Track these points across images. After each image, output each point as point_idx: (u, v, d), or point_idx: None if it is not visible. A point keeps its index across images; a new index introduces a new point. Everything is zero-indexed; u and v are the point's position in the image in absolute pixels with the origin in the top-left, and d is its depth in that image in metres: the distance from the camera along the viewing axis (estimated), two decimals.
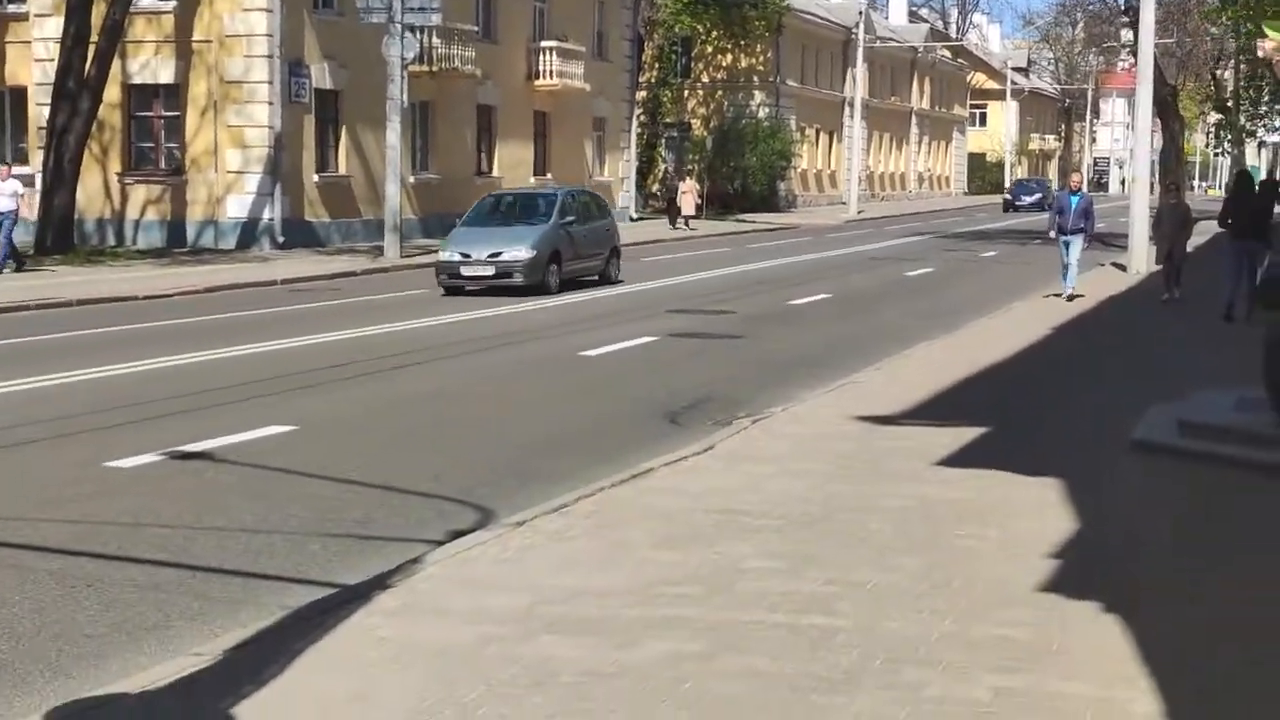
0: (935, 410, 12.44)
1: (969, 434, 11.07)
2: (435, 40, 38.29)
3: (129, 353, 16.48)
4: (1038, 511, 8.50)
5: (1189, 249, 23.70)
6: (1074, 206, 23.10)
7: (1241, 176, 22.91)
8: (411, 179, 38.80)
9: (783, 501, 8.76)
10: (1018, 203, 73.31)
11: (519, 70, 44.34)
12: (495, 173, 43.36)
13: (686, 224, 49.05)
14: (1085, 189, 24.91)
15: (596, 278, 26.83)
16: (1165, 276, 23.09)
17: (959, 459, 10.03)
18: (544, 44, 44.75)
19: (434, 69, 38.48)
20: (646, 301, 23.39)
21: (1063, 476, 9.29)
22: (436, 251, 34.73)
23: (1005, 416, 12.04)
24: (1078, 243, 23.04)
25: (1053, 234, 23.32)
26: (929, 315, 21.99)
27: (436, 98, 39.78)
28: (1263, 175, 43.50)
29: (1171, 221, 23.28)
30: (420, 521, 8.89)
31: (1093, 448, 10.53)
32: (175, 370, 15.39)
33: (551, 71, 44.76)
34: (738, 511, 8.49)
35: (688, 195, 49.92)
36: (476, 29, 40.75)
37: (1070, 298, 22.86)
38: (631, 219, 51.08)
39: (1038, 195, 72.65)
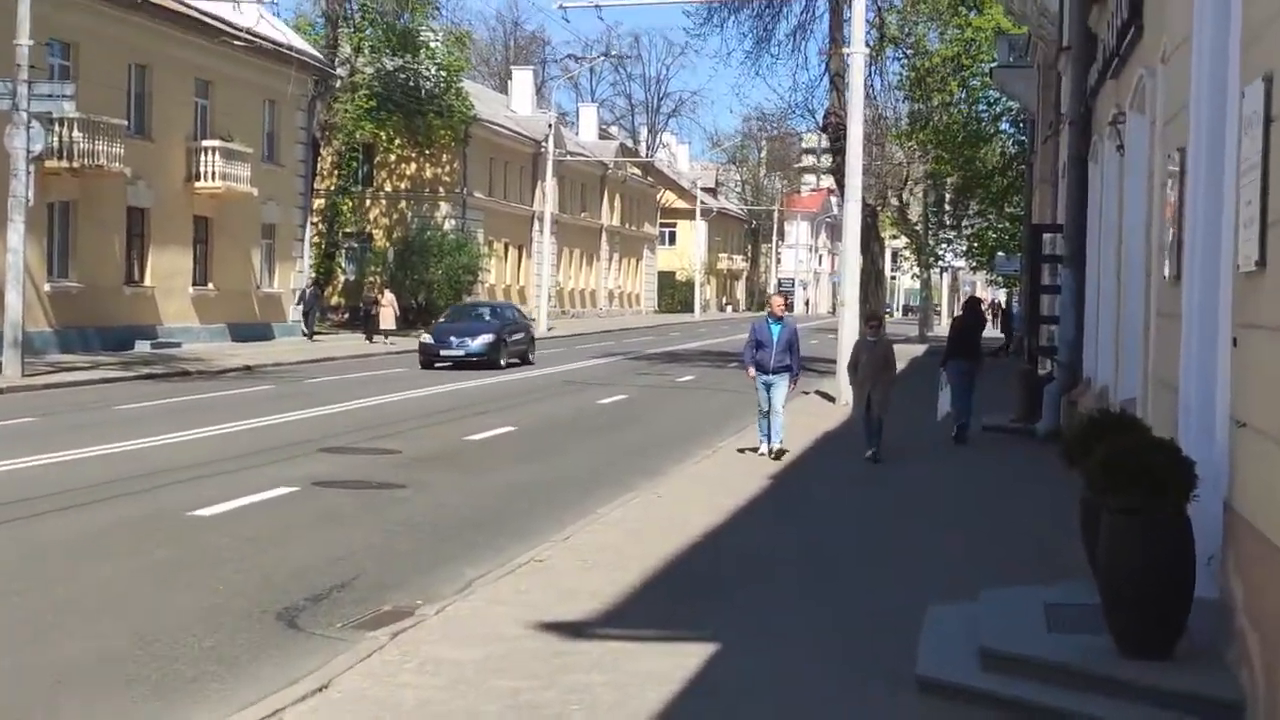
0: (643, 609, 9.43)
1: (693, 656, 8.05)
2: (77, 134, 34.09)
3: None
4: None
5: (890, 392, 18.55)
6: (776, 339, 18.11)
7: (972, 302, 23.29)
8: (48, 287, 34.40)
9: None
10: (443, 350, 36.62)
11: (177, 171, 40.27)
12: (148, 281, 39.17)
13: (385, 338, 46.49)
14: (788, 315, 19.44)
15: None
16: (866, 429, 18.42)
17: (688, 712, 6.97)
18: (205, 143, 40.79)
19: (75, 165, 34.26)
20: (298, 437, 19.84)
21: None
22: (72, 369, 30.86)
23: (734, 619, 9.10)
24: (782, 385, 18.15)
25: (751, 373, 18.46)
26: (625, 455, 19.15)
27: (79, 198, 35.49)
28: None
29: (872, 362, 18.39)
30: None
31: (866, 684, 7.61)
32: None
33: (214, 173, 40.76)
34: None
35: (386, 309, 47.28)
36: (126, 124, 36.67)
37: (777, 454, 18.15)
38: (304, 334, 47.30)
39: (488, 337, 37.17)
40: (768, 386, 18.13)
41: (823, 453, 19.47)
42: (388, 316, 47.35)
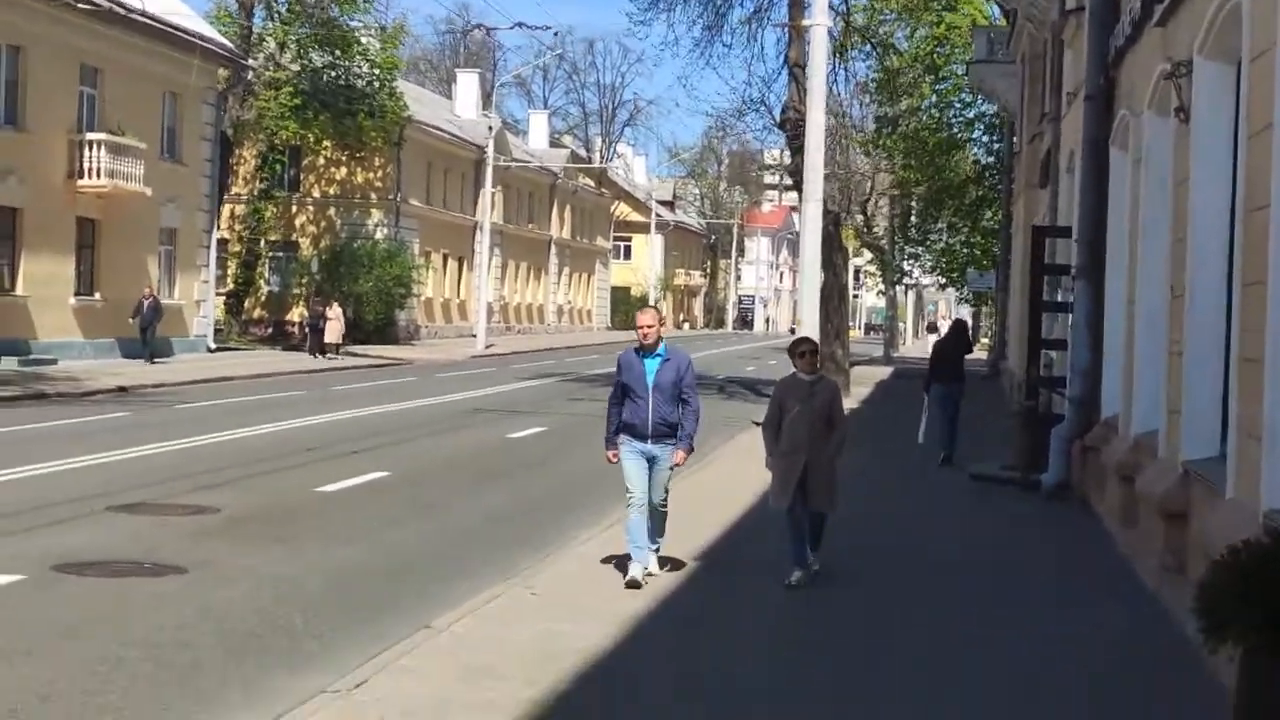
0: None
1: None
2: None
3: None
4: None
5: (836, 469, 11.14)
6: (652, 381, 10.77)
7: (959, 324, 22.06)
8: None
9: None
10: None
11: (55, 166, 35.71)
12: (20, 290, 34.61)
13: (335, 352, 44.47)
14: (664, 341, 11.11)
15: None
16: (793, 530, 10.92)
17: None
18: (90, 136, 36.27)
19: None
20: (99, 486, 15.40)
21: None
22: None
23: None
24: (665, 458, 10.91)
25: (611, 455, 11.07)
26: (516, 514, 15.01)
27: None
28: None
29: (806, 418, 10.83)
30: None
31: None
32: None
33: (99, 170, 36.23)
34: None
35: (334, 322, 44.94)
36: None
37: (644, 572, 10.82)
38: (209, 349, 42.82)
39: None
40: (648, 461, 10.87)
41: (754, 538, 13.08)
42: (334, 330, 45.01)
